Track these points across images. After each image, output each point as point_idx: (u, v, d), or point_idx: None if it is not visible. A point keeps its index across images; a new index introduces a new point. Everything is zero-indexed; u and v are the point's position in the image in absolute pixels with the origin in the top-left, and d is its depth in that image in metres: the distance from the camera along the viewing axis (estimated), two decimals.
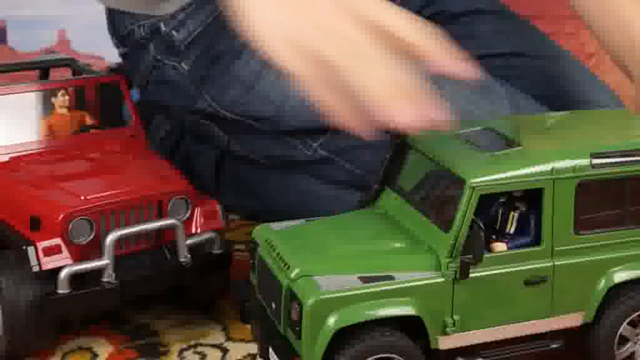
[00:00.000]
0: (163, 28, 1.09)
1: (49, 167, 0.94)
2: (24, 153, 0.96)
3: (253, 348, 0.92)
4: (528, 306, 0.77)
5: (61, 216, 0.86)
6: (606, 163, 0.76)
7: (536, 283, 0.76)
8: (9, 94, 0.97)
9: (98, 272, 0.87)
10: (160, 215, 0.91)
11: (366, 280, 0.72)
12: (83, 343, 0.93)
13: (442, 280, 0.73)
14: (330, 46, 0.67)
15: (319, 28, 0.67)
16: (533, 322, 0.77)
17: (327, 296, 0.70)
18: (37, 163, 0.95)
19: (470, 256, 0.73)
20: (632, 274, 0.78)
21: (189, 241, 0.91)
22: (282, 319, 0.74)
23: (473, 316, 0.75)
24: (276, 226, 0.81)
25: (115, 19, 1.14)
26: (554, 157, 0.75)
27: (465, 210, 0.73)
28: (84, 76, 1.05)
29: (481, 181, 0.73)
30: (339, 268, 0.73)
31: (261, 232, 0.80)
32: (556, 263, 0.76)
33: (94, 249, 0.87)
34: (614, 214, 0.78)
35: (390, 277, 0.72)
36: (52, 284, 0.85)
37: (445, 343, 0.74)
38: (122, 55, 1.18)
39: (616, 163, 0.77)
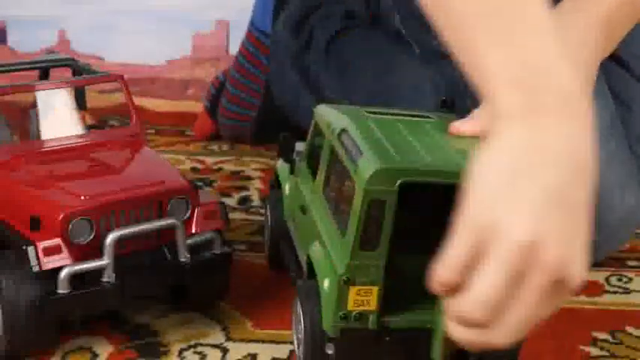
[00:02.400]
0: None
1: (49, 167, 0.94)
2: (24, 153, 0.96)
3: (253, 348, 0.92)
4: (301, 231, 0.92)
5: (61, 216, 0.86)
6: None
7: (304, 213, 0.91)
8: (9, 94, 0.97)
9: (98, 272, 0.87)
10: (160, 215, 0.91)
11: None
12: (83, 343, 0.93)
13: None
14: None
15: None
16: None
17: None
18: (37, 163, 0.95)
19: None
20: None
21: (189, 241, 0.91)
22: None
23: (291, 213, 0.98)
24: None
25: None
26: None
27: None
28: (84, 76, 1.05)
29: None
30: None
31: None
32: (310, 202, 0.89)
33: (94, 249, 0.87)
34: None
35: None
36: (52, 284, 0.85)
37: None
38: None
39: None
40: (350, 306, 0.78)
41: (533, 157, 0.65)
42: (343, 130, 0.85)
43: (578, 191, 0.65)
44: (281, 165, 1.04)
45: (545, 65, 0.68)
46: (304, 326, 0.82)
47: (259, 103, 1.47)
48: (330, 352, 0.80)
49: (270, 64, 1.42)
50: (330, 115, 0.91)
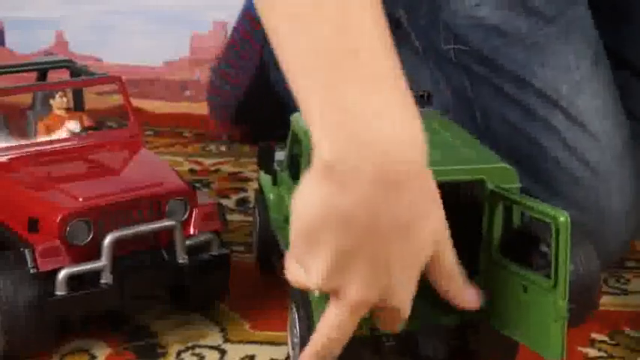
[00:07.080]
0: None
1: (47, 168, 0.94)
2: (22, 154, 0.96)
3: (252, 349, 0.92)
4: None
5: (59, 217, 0.86)
6: None
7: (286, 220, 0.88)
8: (8, 95, 0.97)
9: (96, 273, 0.87)
10: (159, 216, 0.91)
11: None
12: (81, 344, 0.93)
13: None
14: None
15: None
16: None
17: None
18: (35, 164, 0.95)
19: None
20: None
21: (187, 242, 0.91)
22: None
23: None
24: None
25: None
26: None
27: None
28: (82, 77, 1.05)
29: None
30: None
31: None
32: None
33: (93, 250, 0.87)
34: None
35: None
36: (50, 285, 0.85)
37: None
38: None
39: None
40: None
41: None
42: None
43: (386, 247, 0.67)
44: (263, 177, 1.02)
45: (369, 115, 0.64)
46: (300, 330, 0.81)
47: (248, 83, 1.45)
48: None
49: (265, 48, 1.39)
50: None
